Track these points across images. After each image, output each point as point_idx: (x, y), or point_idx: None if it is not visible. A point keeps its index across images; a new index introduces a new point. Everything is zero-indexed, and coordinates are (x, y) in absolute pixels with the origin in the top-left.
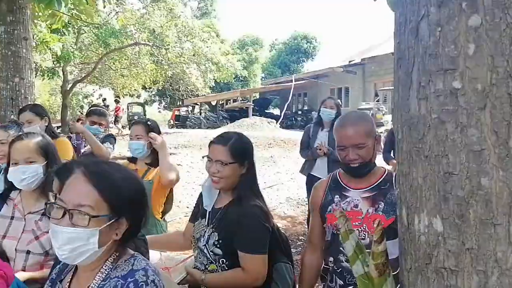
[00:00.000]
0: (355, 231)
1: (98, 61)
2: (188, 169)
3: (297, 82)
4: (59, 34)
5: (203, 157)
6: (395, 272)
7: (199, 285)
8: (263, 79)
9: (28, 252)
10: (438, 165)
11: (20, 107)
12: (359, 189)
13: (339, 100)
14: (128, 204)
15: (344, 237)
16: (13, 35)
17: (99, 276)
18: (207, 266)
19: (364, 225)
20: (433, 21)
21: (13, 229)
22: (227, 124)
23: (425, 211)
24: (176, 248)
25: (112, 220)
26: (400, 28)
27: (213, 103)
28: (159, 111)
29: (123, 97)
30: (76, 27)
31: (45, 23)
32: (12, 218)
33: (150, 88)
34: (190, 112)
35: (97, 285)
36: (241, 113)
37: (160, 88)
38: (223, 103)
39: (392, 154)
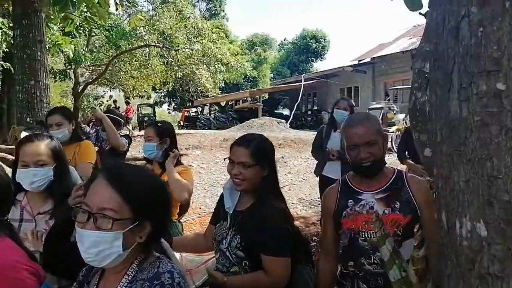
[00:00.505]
0: (390, 236)
1: (108, 63)
2: (200, 170)
3: (306, 82)
4: (70, 36)
5: (224, 159)
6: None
7: (221, 287)
8: (272, 79)
9: (41, 252)
10: (482, 168)
11: (36, 109)
12: (372, 191)
13: (352, 101)
14: (151, 207)
15: (380, 241)
16: (28, 38)
17: (125, 278)
18: (229, 268)
19: None
20: (474, 22)
21: (24, 231)
22: (237, 124)
23: (468, 215)
24: (197, 250)
25: (136, 223)
26: (438, 29)
27: (223, 103)
28: (169, 112)
29: (133, 98)
30: (87, 30)
31: (57, 26)
32: (21, 220)
33: (160, 89)
34: (199, 113)
35: (123, 287)
36: (251, 114)
37: (170, 89)
38: (232, 104)
39: (406, 154)
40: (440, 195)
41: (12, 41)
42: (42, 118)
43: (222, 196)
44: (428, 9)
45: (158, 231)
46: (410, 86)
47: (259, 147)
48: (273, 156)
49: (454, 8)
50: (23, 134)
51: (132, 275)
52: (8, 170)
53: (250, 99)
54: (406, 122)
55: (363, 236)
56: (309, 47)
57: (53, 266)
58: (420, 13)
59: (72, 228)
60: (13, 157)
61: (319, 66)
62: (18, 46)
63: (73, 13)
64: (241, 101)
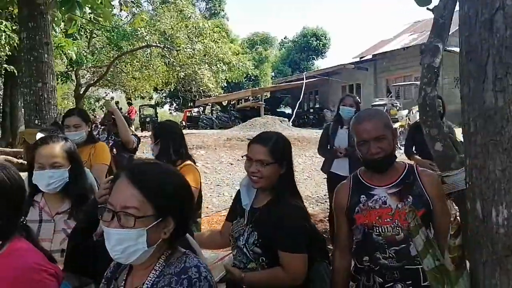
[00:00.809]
0: (424, 226)
1: (110, 64)
2: (205, 170)
3: (308, 80)
4: (72, 38)
5: (242, 156)
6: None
7: (239, 283)
8: (273, 78)
9: (62, 250)
10: None
11: (44, 111)
12: (384, 186)
13: (358, 98)
14: (173, 203)
15: (413, 231)
16: (34, 41)
17: (153, 273)
18: (246, 264)
19: (396, 220)
20: (509, 14)
21: (44, 231)
22: (239, 123)
23: (504, 203)
24: (213, 247)
25: (159, 220)
26: (470, 21)
27: (224, 103)
28: (170, 113)
29: (135, 99)
30: (88, 31)
31: (60, 28)
32: (40, 221)
33: (161, 90)
34: (201, 113)
35: (151, 282)
36: (253, 113)
37: (171, 89)
38: (234, 103)
39: (413, 149)
40: (474, 184)
41: (15, 44)
42: (49, 120)
43: (238, 193)
44: (435, 5)
45: (182, 227)
46: (412, 83)
47: (277, 145)
48: (290, 154)
49: (488, 1)
50: (39, 135)
51: (160, 270)
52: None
53: (252, 98)
54: (409, 118)
55: (377, 231)
56: (309, 45)
57: (75, 265)
58: (428, 9)
59: (94, 227)
60: (17, 160)
61: (320, 64)
62: (25, 49)
63: (78, 15)
64: (243, 100)
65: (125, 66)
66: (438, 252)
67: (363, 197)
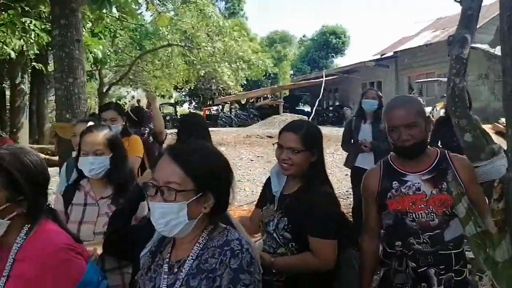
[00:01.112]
0: (466, 195)
1: (132, 63)
2: None
3: (327, 78)
4: (96, 38)
5: (273, 144)
6: (459, 250)
7: (269, 268)
8: (292, 76)
9: (105, 233)
10: None
11: (75, 106)
12: (418, 172)
13: (379, 92)
14: (212, 179)
15: (456, 199)
16: (66, 38)
17: (196, 246)
18: (276, 249)
19: (431, 206)
20: None
21: (88, 214)
22: (258, 121)
23: None
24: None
25: (199, 195)
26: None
27: (243, 101)
28: (190, 111)
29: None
30: (112, 31)
31: (86, 28)
32: (85, 204)
33: (181, 88)
34: (220, 111)
35: (195, 254)
36: (272, 111)
37: (191, 88)
38: (253, 101)
39: (439, 144)
40: None
41: (44, 43)
42: (79, 114)
43: (268, 180)
44: None
45: (222, 203)
46: (436, 79)
47: (308, 133)
48: (321, 142)
49: None
50: (79, 126)
51: (203, 243)
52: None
53: (270, 96)
54: (433, 115)
55: (411, 216)
56: (329, 43)
57: (114, 248)
58: (455, 0)
59: (133, 212)
60: (44, 155)
61: (340, 62)
62: (57, 45)
63: (107, 13)
64: (261, 98)
65: (146, 65)
66: (479, 219)
67: (396, 183)
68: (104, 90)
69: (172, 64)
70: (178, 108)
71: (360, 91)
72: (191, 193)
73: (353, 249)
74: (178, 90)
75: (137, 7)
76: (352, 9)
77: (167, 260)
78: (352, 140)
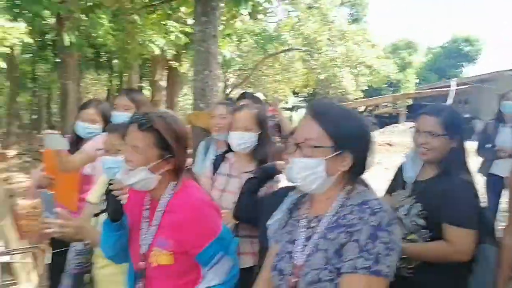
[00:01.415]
0: None
1: (255, 67)
2: None
3: (458, 87)
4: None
5: (410, 127)
6: None
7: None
8: (416, 85)
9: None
10: None
11: (208, 96)
12: None
13: None
14: (351, 139)
15: None
16: (205, 34)
17: (335, 204)
18: (406, 235)
19: None
20: None
21: (231, 185)
22: (377, 129)
23: None
24: None
25: (336, 153)
26: None
27: (361, 108)
28: None
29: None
30: (239, 36)
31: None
32: (229, 176)
33: (299, 93)
34: None
35: (334, 211)
36: (390, 119)
37: (309, 93)
38: (371, 109)
39: None
40: None
41: (182, 43)
42: (212, 105)
43: (399, 168)
44: None
45: (360, 164)
46: None
47: (449, 117)
48: (463, 129)
49: None
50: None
51: (342, 201)
52: None
53: (392, 104)
54: None
55: None
56: (460, 50)
57: (243, 215)
58: None
59: (264, 183)
60: None
61: (469, 71)
62: (197, 41)
63: (239, 11)
64: (381, 106)
65: (267, 69)
66: None
67: None
68: (228, 92)
69: (292, 68)
70: (295, 113)
71: (494, 103)
72: (328, 150)
73: (493, 247)
74: (296, 94)
75: (268, 7)
76: (483, 18)
77: (306, 215)
78: (488, 145)
